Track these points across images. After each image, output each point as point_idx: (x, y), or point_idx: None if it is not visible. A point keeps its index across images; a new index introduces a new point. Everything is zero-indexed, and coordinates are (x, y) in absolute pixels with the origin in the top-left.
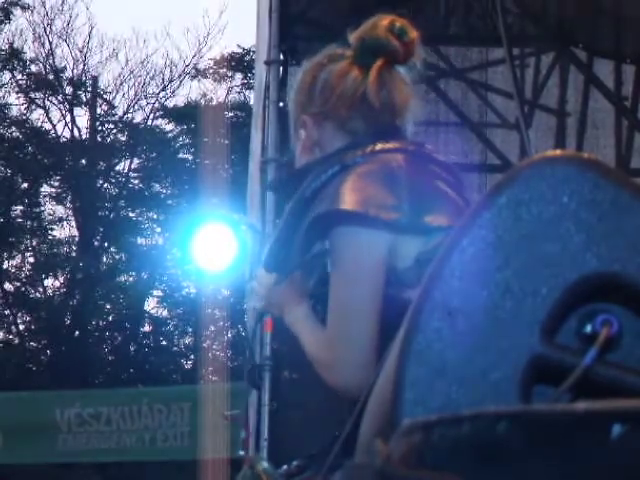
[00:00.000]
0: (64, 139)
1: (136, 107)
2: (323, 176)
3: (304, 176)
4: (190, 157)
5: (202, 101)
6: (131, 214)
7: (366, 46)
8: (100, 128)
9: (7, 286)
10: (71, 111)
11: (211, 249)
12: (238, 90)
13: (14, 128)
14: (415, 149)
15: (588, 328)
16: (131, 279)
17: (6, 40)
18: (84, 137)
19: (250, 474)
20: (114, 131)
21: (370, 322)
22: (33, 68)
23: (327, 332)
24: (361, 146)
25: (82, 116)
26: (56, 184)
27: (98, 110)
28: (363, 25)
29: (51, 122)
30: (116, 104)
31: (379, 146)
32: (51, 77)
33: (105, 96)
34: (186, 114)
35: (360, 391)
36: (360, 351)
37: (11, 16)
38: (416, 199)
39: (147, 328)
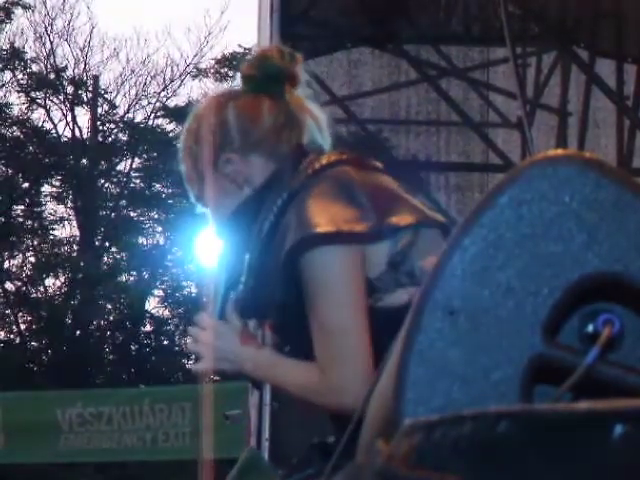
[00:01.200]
0: (65, 139)
1: (137, 107)
2: (274, 208)
3: (245, 214)
4: None
5: (203, 100)
6: (132, 214)
7: (269, 75)
8: (101, 128)
9: (8, 286)
10: (72, 110)
11: (212, 249)
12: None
13: (15, 128)
14: (351, 158)
15: (590, 328)
16: (132, 279)
17: (7, 40)
18: (85, 137)
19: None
20: (115, 131)
21: (366, 337)
22: (34, 67)
23: (321, 357)
24: (291, 169)
25: (83, 116)
26: (57, 184)
27: (99, 110)
28: (252, 59)
29: (52, 122)
30: (117, 104)
31: (317, 164)
32: (52, 77)
33: (106, 96)
34: (187, 114)
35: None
36: (362, 367)
37: (12, 16)
38: (377, 205)
39: (148, 328)
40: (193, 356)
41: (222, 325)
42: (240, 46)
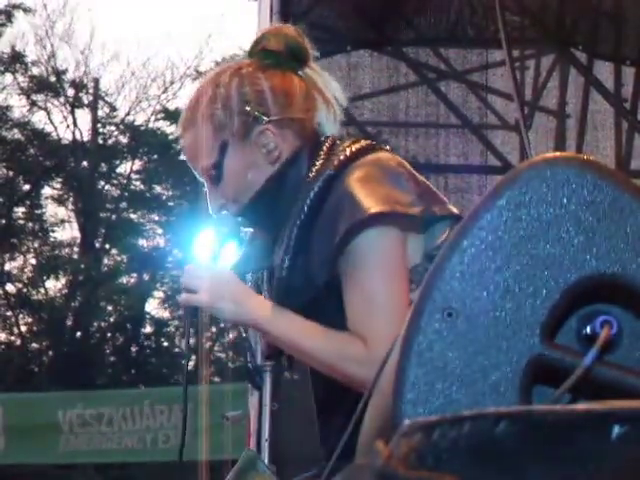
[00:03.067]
0: (66, 141)
1: (137, 109)
2: (315, 188)
3: (269, 192)
4: None
5: None
6: (133, 216)
7: (294, 51)
8: (102, 130)
9: (9, 287)
10: (73, 113)
11: (212, 250)
12: None
13: (16, 130)
14: (382, 146)
15: (588, 329)
16: (133, 281)
17: (8, 43)
18: (86, 139)
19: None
20: (116, 133)
21: (404, 313)
22: (35, 70)
23: (365, 328)
24: (314, 149)
25: (84, 118)
26: (58, 186)
27: (100, 112)
28: (275, 35)
29: (53, 124)
30: (117, 106)
31: (353, 147)
32: (53, 79)
33: (107, 98)
34: None
35: None
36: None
37: (13, 19)
38: (420, 193)
39: (149, 329)
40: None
41: (227, 270)
42: (240, 48)
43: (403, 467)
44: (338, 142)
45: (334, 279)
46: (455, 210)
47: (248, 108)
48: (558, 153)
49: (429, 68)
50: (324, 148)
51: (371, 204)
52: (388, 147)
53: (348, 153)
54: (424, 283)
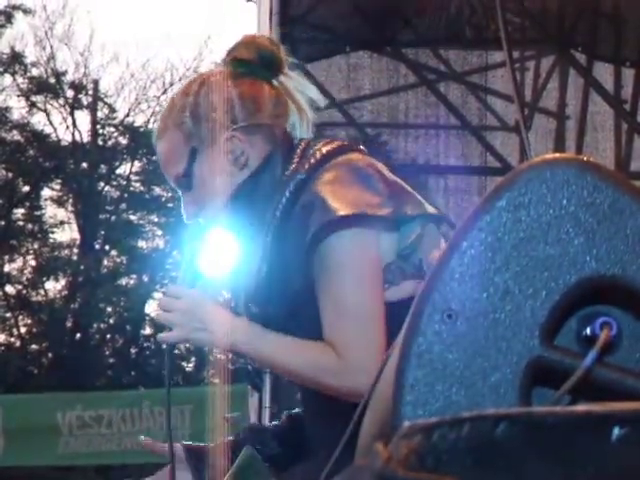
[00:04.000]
0: (65, 142)
1: (137, 110)
2: (286, 193)
3: (242, 198)
4: None
5: None
6: (132, 217)
7: (265, 60)
8: (101, 131)
9: (8, 289)
10: (72, 114)
11: (212, 252)
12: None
13: (15, 131)
14: (354, 146)
15: (587, 330)
16: (132, 282)
17: (7, 44)
18: (85, 140)
19: (249, 455)
20: (115, 134)
21: (381, 322)
22: (34, 72)
23: (337, 338)
24: (286, 153)
25: (83, 119)
26: (57, 187)
27: (99, 113)
28: (247, 44)
29: (52, 125)
30: (117, 107)
31: (323, 149)
32: (52, 81)
33: (106, 99)
34: None
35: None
36: (376, 353)
37: (12, 20)
38: (391, 193)
39: (148, 331)
40: (193, 359)
41: (199, 293)
42: None
43: (403, 469)
44: (311, 144)
45: (310, 283)
46: (431, 209)
47: (215, 115)
48: (558, 154)
49: (429, 69)
50: (297, 151)
51: (340, 206)
52: (362, 147)
53: (318, 156)
54: (424, 284)
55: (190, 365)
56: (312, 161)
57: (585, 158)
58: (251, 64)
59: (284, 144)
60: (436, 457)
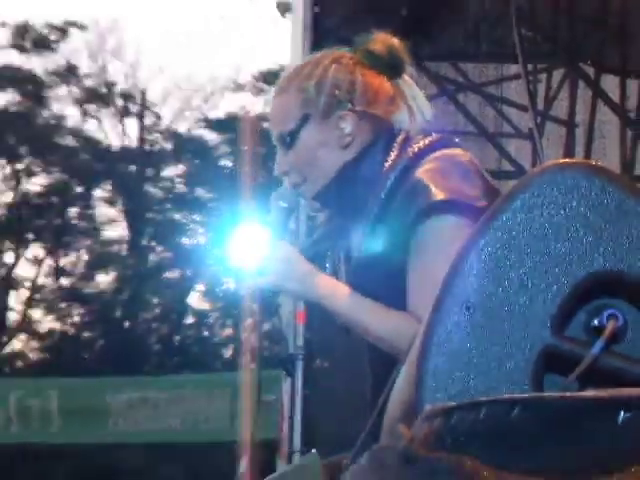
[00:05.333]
0: (115, 147)
1: (181, 118)
2: (392, 177)
3: (345, 179)
4: (230, 164)
5: (241, 113)
6: (176, 216)
7: (395, 62)
8: (148, 137)
9: (63, 281)
10: (122, 122)
11: (249, 248)
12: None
13: (70, 137)
14: (454, 142)
15: (595, 322)
16: (176, 275)
17: (63, 57)
18: (133, 145)
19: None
20: (161, 140)
21: None
22: (87, 82)
23: (419, 308)
24: (388, 143)
25: (132, 126)
26: (108, 188)
27: (146, 121)
28: (379, 40)
29: (103, 132)
30: (163, 115)
31: (425, 141)
32: (104, 90)
33: (153, 108)
34: (226, 124)
35: None
36: None
37: (68, 35)
38: (487, 190)
39: (190, 320)
40: (231, 346)
41: (295, 251)
42: (275, 63)
43: (424, 449)
44: (411, 135)
45: (405, 261)
46: None
47: (337, 92)
48: (568, 159)
49: (448, 81)
50: (398, 140)
51: (440, 193)
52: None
53: (422, 145)
54: (445, 279)
55: (229, 352)
56: (416, 150)
57: (593, 163)
58: (381, 59)
59: (386, 135)
60: (455, 438)
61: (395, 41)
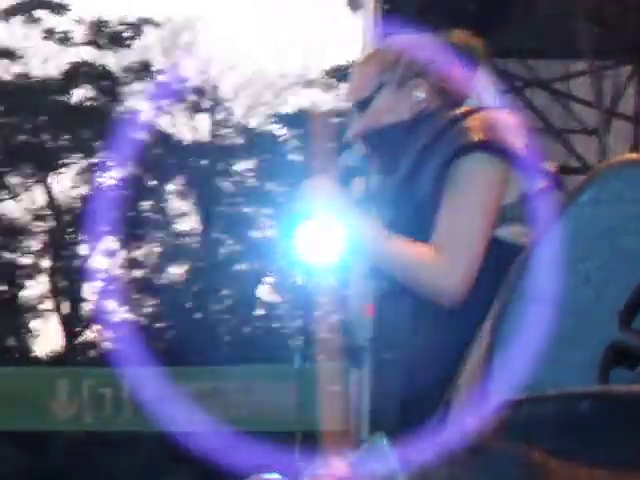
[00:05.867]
0: (187, 142)
1: (252, 113)
2: (438, 124)
3: (398, 132)
4: (300, 158)
5: (311, 108)
6: (246, 209)
7: (476, 57)
8: (219, 132)
9: (136, 273)
10: (194, 117)
11: (318, 241)
12: (344, 98)
13: (143, 132)
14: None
15: None
16: (246, 268)
17: (138, 54)
18: (205, 140)
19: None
20: (232, 135)
21: (483, 246)
22: (161, 78)
23: (441, 239)
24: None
25: (203, 121)
26: (180, 182)
27: (218, 116)
28: (460, 34)
29: (176, 127)
30: (234, 110)
31: (469, 108)
32: (176, 86)
33: (224, 103)
34: (296, 120)
35: (463, 299)
36: (470, 267)
37: (142, 32)
38: (527, 142)
39: (260, 312)
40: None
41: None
42: (345, 59)
43: (493, 440)
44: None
45: (437, 196)
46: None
47: (415, 65)
48: (634, 155)
49: (516, 77)
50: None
51: (482, 134)
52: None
53: (465, 109)
54: (512, 272)
55: (298, 343)
56: (466, 109)
57: None
58: (460, 49)
59: (450, 108)
60: (524, 430)
61: (473, 38)
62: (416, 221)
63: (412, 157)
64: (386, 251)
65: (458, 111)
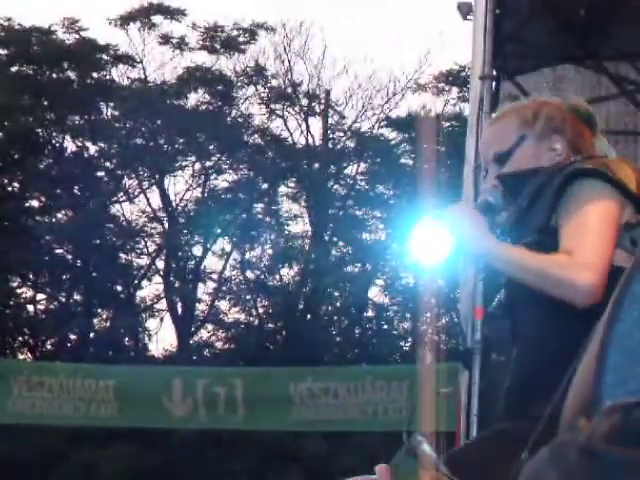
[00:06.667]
0: (300, 145)
1: (363, 117)
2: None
3: (523, 179)
4: (410, 162)
5: (422, 112)
6: (357, 212)
7: (591, 120)
8: (331, 136)
9: (249, 274)
10: (306, 121)
11: (428, 244)
12: (454, 103)
13: (256, 135)
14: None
15: None
16: (356, 270)
17: (251, 58)
18: (317, 144)
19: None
20: (344, 138)
21: (610, 248)
22: (274, 83)
23: (571, 244)
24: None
25: (316, 125)
26: (292, 185)
27: (330, 120)
28: (583, 108)
29: (289, 130)
30: (346, 114)
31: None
32: (289, 90)
33: (336, 107)
34: (407, 124)
35: (597, 296)
36: (602, 266)
37: (256, 37)
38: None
39: (370, 313)
40: (410, 339)
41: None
42: (456, 63)
43: (605, 444)
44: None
45: (550, 226)
46: None
47: (552, 122)
48: None
49: (628, 81)
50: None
51: (588, 164)
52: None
53: (579, 158)
54: (624, 275)
55: (407, 345)
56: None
57: None
58: (582, 114)
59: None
60: (636, 434)
61: (589, 108)
62: (536, 246)
63: (531, 190)
64: (522, 261)
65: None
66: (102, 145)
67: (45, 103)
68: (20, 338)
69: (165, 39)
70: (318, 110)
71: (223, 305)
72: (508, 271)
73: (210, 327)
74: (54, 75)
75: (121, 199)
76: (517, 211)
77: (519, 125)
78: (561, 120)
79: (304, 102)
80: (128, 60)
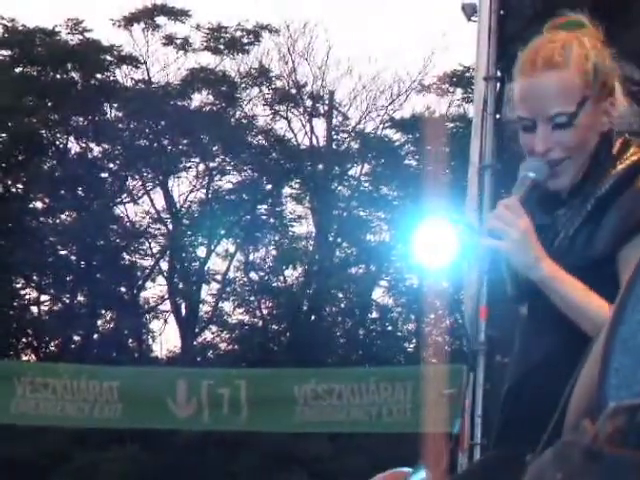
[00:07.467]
0: (304, 146)
1: (367, 118)
2: (611, 181)
3: (594, 165)
4: (414, 163)
5: (426, 113)
6: (361, 213)
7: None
8: (335, 137)
9: (253, 275)
10: (310, 122)
11: (432, 245)
12: (458, 104)
13: (260, 137)
14: None
15: None
16: (361, 271)
17: (255, 59)
18: (321, 145)
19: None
20: (348, 140)
21: None
22: (278, 84)
23: None
24: (611, 142)
25: (320, 126)
26: (296, 186)
27: (334, 121)
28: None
29: (292, 131)
30: (350, 116)
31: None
32: (293, 92)
33: (340, 108)
34: (411, 125)
35: None
36: None
37: (260, 38)
38: None
39: (374, 315)
40: (414, 340)
41: (531, 225)
42: (460, 64)
43: (609, 446)
44: (630, 142)
45: (607, 260)
46: None
47: (609, 80)
48: None
49: (632, 82)
50: (617, 144)
51: None
52: None
53: (636, 157)
54: (629, 278)
55: (411, 346)
56: (634, 159)
57: None
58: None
59: (613, 133)
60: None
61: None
62: (591, 273)
63: (580, 211)
64: (573, 298)
65: (624, 163)
66: (106, 146)
67: (49, 104)
68: (24, 339)
69: (169, 40)
70: (322, 111)
71: (227, 306)
72: (559, 305)
73: (214, 328)
74: (58, 76)
75: (125, 200)
76: (576, 214)
77: (582, 84)
78: (616, 75)
79: (308, 103)
80: (132, 61)
